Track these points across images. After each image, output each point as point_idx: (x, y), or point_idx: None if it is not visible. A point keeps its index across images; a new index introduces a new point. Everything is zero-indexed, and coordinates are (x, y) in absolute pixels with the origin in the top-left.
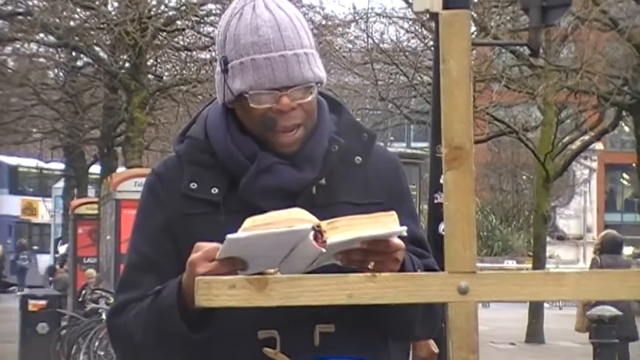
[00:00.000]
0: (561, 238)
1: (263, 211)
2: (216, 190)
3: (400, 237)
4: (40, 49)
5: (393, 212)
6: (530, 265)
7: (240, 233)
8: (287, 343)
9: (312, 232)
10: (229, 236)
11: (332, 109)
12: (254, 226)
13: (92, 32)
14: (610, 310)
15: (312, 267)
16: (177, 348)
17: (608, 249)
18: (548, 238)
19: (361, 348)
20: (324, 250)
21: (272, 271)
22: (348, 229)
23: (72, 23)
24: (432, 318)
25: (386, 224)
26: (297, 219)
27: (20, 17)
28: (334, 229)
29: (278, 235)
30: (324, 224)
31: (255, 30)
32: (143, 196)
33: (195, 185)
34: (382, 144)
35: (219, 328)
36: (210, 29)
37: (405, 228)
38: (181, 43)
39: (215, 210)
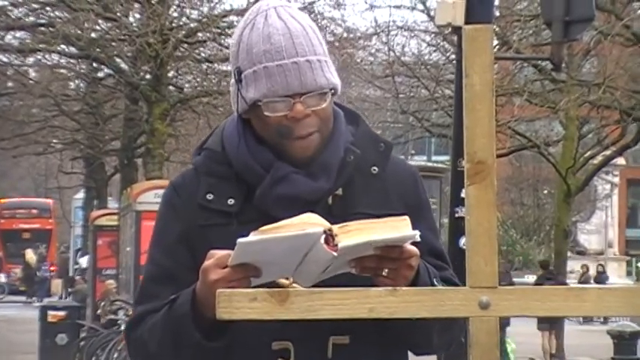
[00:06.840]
0: (582, 253)
1: (278, 221)
2: (233, 201)
3: (418, 248)
4: (62, 60)
5: (406, 217)
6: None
7: (251, 237)
8: (301, 355)
9: (323, 236)
10: (240, 240)
11: (349, 120)
12: (265, 229)
13: (113, 43)
14: (631, 326)
15: (327, 274)
16: (192, 358)
17: None
18: (569, 253)
19: None
20: (335, 254)
21: (286, 281)
22: (360, 232)
23: (93, 34)
24: (452, 328)
25: (398, 228)
26: (308, 223)
27: (42, 28)
28: (346, 232)
29: (289, 238)
30: (335, 228)
31: (267, 38)
32: (160, 208)
33: (212, 196)
34: (402, 157)
35: (234, 338)
36: (232, 41)
37: (417, 232)
38: (202, 54)
39: (231, 221)
